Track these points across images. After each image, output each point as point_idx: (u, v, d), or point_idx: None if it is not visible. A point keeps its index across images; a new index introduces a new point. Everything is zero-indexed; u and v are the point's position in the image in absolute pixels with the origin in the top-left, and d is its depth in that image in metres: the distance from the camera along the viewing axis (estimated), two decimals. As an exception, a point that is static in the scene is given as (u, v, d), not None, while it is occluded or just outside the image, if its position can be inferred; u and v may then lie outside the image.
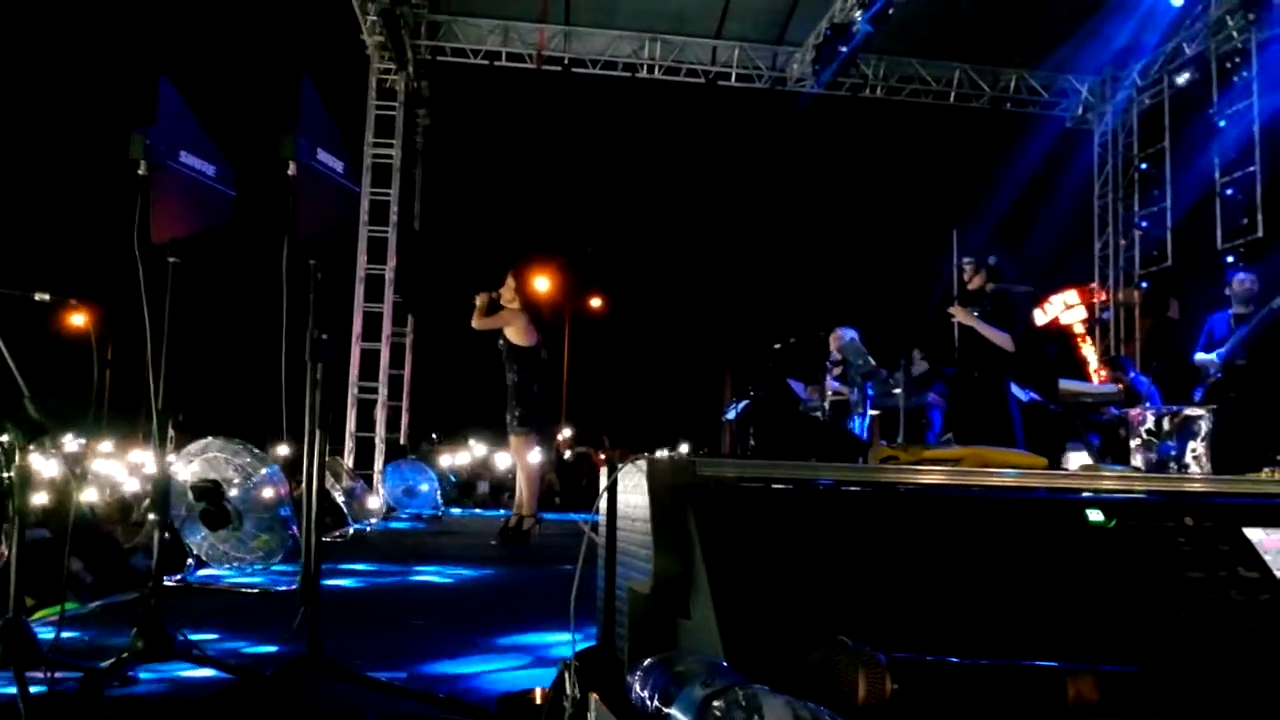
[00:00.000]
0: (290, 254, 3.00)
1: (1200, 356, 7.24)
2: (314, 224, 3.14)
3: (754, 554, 1.43)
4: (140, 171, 3.05)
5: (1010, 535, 1.55)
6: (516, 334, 7.44)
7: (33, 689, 2.56)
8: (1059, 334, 12.80)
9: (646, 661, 1.20)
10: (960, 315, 6.82)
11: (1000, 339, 6.66)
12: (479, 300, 7.44)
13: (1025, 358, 7.08)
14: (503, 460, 15.67)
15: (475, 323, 7.49)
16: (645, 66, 12.53)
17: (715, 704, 1.05)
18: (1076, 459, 8.13)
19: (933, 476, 1.67)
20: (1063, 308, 13.04)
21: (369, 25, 11.74)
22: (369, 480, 11.06)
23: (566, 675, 1.58)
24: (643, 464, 1.64)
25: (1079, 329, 11.70)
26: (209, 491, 5.19)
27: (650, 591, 1.51)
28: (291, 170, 3.05)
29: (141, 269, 2.99)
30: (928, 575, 1.47)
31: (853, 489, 1.60)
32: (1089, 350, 12.35)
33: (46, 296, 3.06)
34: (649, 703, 1.14)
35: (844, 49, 10.85)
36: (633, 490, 1.73)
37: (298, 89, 3.19)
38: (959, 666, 1.20)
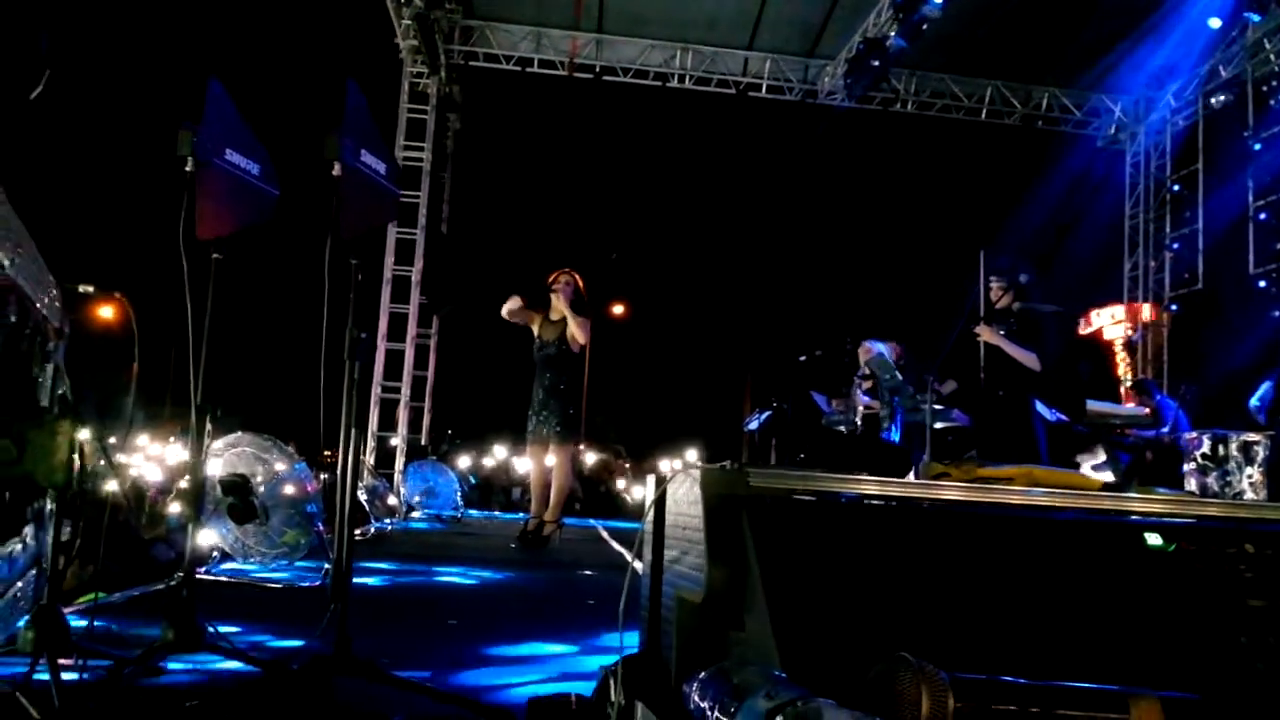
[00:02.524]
0: (332, 253, 3.02)
1: None
2: (356, 224, 3.16)
3: (810, 567, 1.42)
4: (187, 168, 3.09)
5: (1068, 556, 1.54)
6: (584, 337, 7.42)
7: (65, 676, 2.59)
8: (1099, 348, 12.68)
9: (703, 673, 1.20)
10: (986, 334, 6.76)
11: (1026, 358, 6.60)
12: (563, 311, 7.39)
13: (1052, 377, 7.02)
14: (523, 464, 15.70)
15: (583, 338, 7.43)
16: (676, 76, 12.55)
17: (779, 717, 1.05)
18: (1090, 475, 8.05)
19: (991, 495, 1.66)
20: (1110, 320, 12.84)
21: (403, 29, 11.83)
22: (390, 480, 11.12)
23: (612, 681, 1.58)
24: (695, 474, 1.64)
25: (1119, 346, 11.55)
26: (236, 486, 5.22)
27: (702, 601, 1.51)
28: (336, 170, 3.08)
29: (186, 264, 3.02)
30: (985, 593, 1.46)
31: (909, 505, 1.59)
32: (1124, 370, 12.21)
33: (90, 289, 3.10)
34: (708, 713, 1.14)
35: (876, 63, 10.83)
36: (683, 499, 1.72)
37: (342, 91, 3.22)
38: (1021, 687, 1.19)
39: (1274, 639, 1.42)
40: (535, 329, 7.57)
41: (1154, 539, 1.54)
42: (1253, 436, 1.92)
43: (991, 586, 1.48)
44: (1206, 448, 1.92)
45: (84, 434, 2.64)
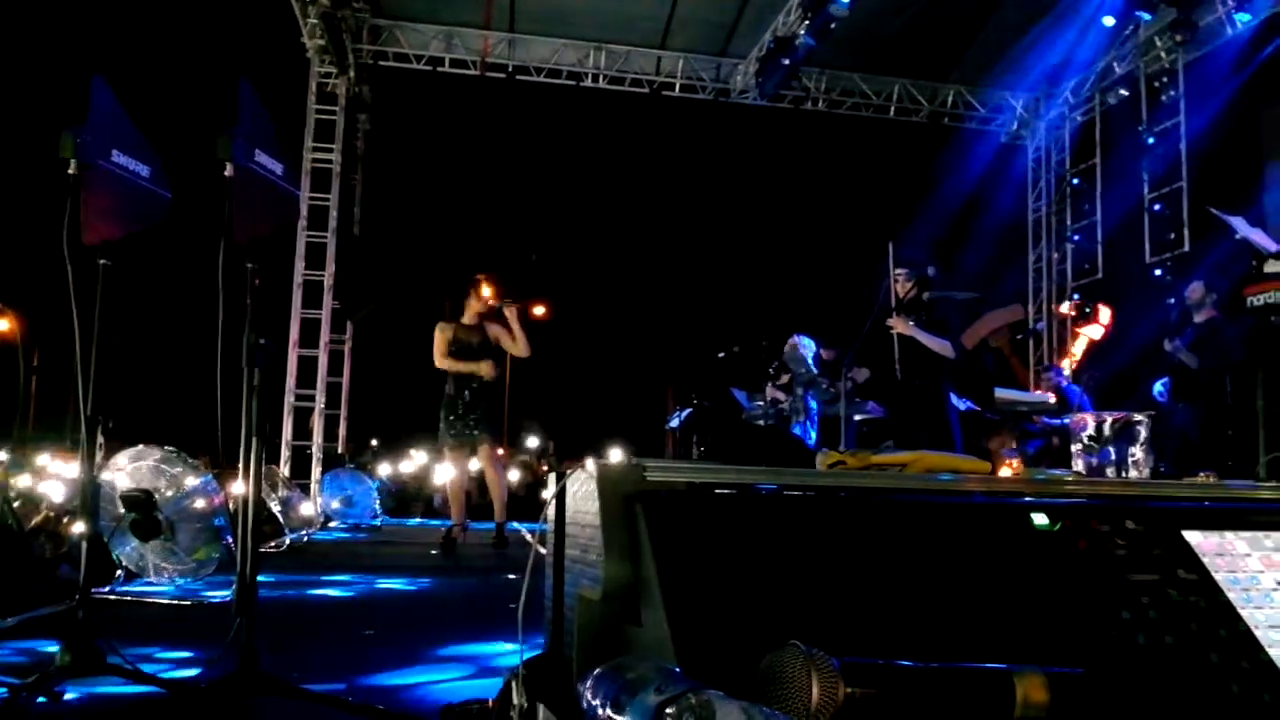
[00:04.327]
0: (226, 257, 2.94)
1: (1167, 343, 7.77)
2: (251, 226, 3.08)
3: (706, 560, 1.42)
4: (70, 171, 2.96)
5: (957, 539, 1.57)
6: (528, 350, 7.60)
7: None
8: (996, 343, 13.02)
9: (597, 670, 1.19)
10: (899, 326, 6.89)
11: (940, 346, 6.76)
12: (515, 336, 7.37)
13: (962, 367, 7.22)
14: (443, 470, 15.52)
15: (525, 350, 7.51)
16: (590, 75, 12.52)
17: (669, 710, 1.04)
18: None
19: (880, 481, 1.69)
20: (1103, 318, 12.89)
21: (309, 28, 11.58)
22: (306, 490, 10.86)
23: (514, 684, 1.56)
24: (593, 469, 1.62)
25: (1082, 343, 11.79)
26: (139, 501, 5.04)
27: (600, 599, 1.50)
28: (228, 171, 3.00)
29: (71, 271, 2.90)
30: (878, 579, 1.48)
31: (802, 494, 1.61)
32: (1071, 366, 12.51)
33: (-30, 300, 2.96)
34: (600, 711, 1.12)
35: (786, 62, 10.96)
36: (582, 496, 1.71)
37: (236, 90, 3.14)
38: (910, 670, 1.21)
39: (1154, 613, 1.46)
40: (450, 334, 7.52)
41: (1040, 519, 1.58)
42: (1136, 416, 1.99)
43: (887, 571, 1.50)
44: (1091, 429, 1.99)
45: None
